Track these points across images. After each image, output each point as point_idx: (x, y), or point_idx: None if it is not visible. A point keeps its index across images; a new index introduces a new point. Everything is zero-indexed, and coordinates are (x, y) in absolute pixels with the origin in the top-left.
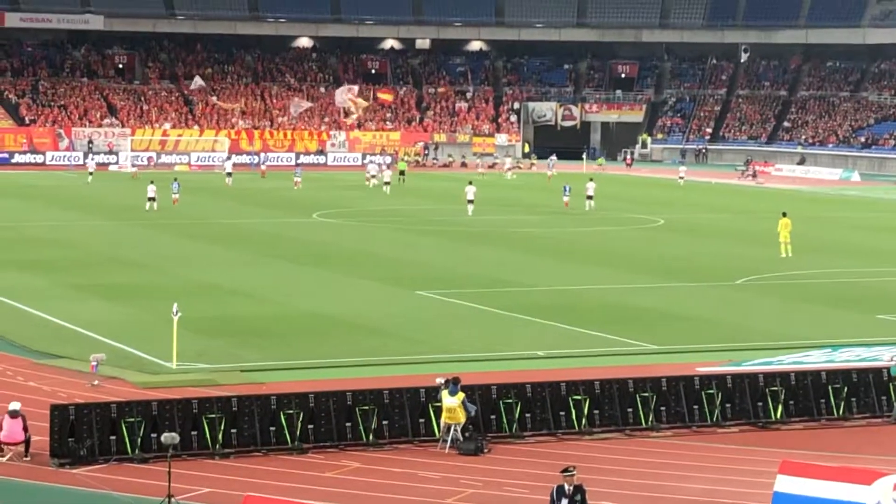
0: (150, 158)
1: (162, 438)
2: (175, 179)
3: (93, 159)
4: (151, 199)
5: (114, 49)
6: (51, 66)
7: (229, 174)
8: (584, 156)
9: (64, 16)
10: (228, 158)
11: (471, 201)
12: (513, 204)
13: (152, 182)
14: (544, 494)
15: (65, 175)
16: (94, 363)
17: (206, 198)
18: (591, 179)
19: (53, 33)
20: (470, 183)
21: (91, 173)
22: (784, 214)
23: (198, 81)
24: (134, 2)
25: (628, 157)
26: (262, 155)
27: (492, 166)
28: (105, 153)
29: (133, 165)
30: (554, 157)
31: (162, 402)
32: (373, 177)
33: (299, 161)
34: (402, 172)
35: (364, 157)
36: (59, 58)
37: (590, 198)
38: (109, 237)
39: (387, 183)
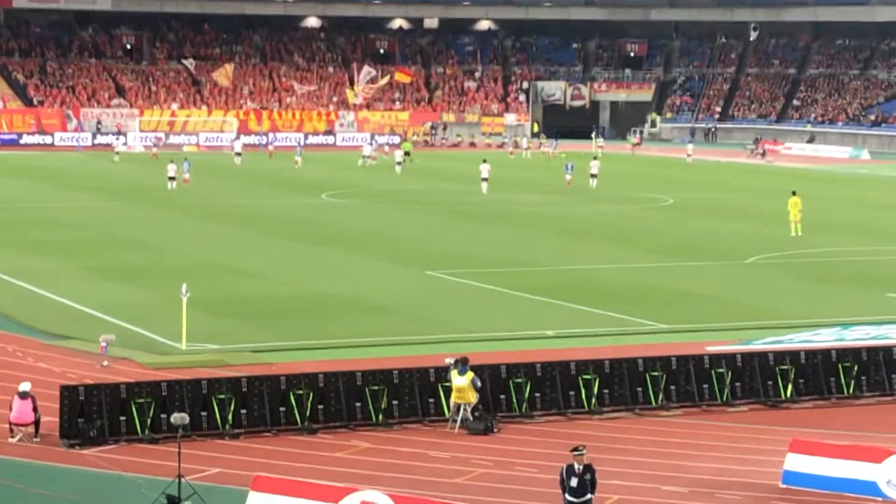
0: (158, 139)
1: (172, 419)
2: (185, 159)
3: (119, 139)
4: (171, 179)
5: (121, 29)
6: (58, 46)
7: (238, 154)
8: (593, 135)
9: None
10: (237, 139)
11: (485, 179)
12: (521, 183)
13: (172, 161)
14: (554, 474)
15: (73, 156)
16: (104, 344)
17: (216, 178)
18: (596, 158)
19: (61, 14)
20: (484, 161)
21: (118, 153)
22: (794, 193)
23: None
24: None
25: (637, 136)
26: (270, 135)
27: (500, 146)
28: (115, 134)
29: (154, 146)
30: (554, 140)
31: (171, 382)
32: (368, 157)
33: (307, 141)
34: (406, 153)
35: (372, 137)
36: (67, 38)
37: (593, 176)
38: (118, 218)
39: (399, 163)
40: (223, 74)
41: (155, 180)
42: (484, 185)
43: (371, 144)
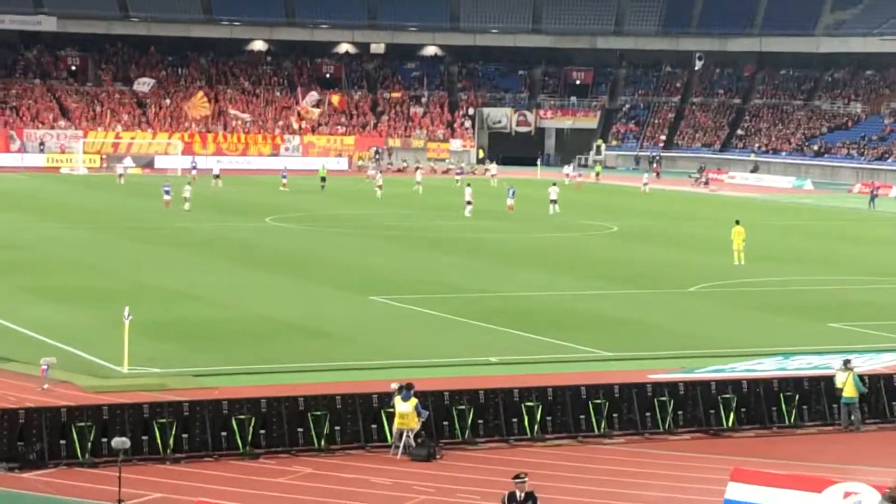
0: (102, 160)
1: (112, 443)
2: (166, 182)
3: (122, 164)
4: (186, 199)
5: (67, 50)
6: (3, 67)
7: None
8: (538, 162)
9: (16, 16)
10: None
11: (469, 202)
12: (459, 208)
13: (189, 183)
14: (496, 501)
15: (15, 177)
16: (45, 367)
17: (158, 200)
18: (555, 184)
19: (5, 34)
20: (468, 185)
21: (121, 175)
22: (737, 222)
23: (144, 82)
24: (88, 3)
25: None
26: (192, 158)
27: (445, 171)
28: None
29: (125, 168)
30: (494, 164)
31: (113, 406)
32: (377, 184)
33: (283, 168)
34: (322, 179)
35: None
36: (12, 59)
37: (553, 202)
38: (60, 239)
39: (380, 186)
40: (199, 105)
41: (98, 203)
42: (468, 208)
43: (376, 169)
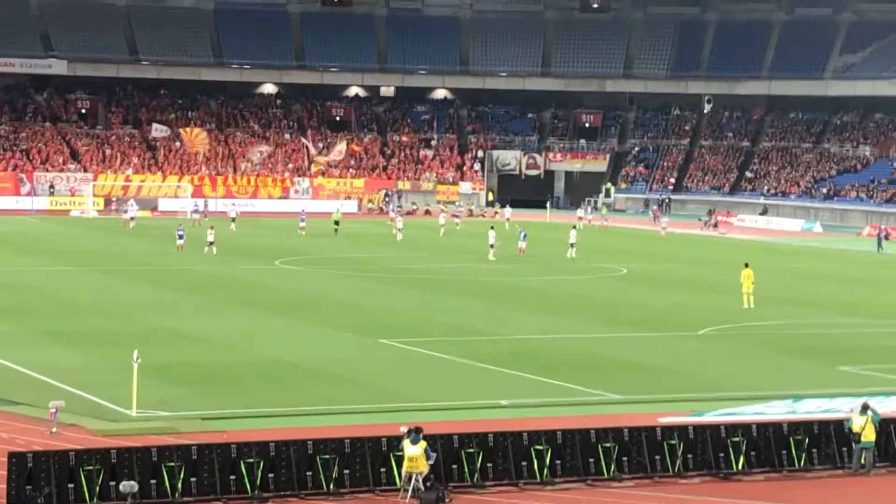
0: (112, 202)
1: (121, 487)
2: (180, 225)
3: (132, 206)
4: (210, 244)
5: (77, 94)
6: (13, 110)
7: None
8: (547, 205)
9: (27, 60)
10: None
11: (492, 245)
12: (472, 251)
13: (211, 227)
14: None
15: (26, 220)
16: (53, 410)
17: (169, 243)
18: (574, 227)
19: (16, 77)
20: (492, 228)
21: (133, 218)
22: (746, 265)
23: (160, 129)
24: (98, 47)
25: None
26: (197, 202)
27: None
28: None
29: (198, 211)
30: (508, 208)
31: (121, 450)
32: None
33: (302, 210)
34: (336, 223)
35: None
36: (22, 102)
37: (572, 245)
38: (69, 282)
39: (399, 229)
40: (196, 141)
41: (108, 246)
42: (491, 252)
43: (397, 212)
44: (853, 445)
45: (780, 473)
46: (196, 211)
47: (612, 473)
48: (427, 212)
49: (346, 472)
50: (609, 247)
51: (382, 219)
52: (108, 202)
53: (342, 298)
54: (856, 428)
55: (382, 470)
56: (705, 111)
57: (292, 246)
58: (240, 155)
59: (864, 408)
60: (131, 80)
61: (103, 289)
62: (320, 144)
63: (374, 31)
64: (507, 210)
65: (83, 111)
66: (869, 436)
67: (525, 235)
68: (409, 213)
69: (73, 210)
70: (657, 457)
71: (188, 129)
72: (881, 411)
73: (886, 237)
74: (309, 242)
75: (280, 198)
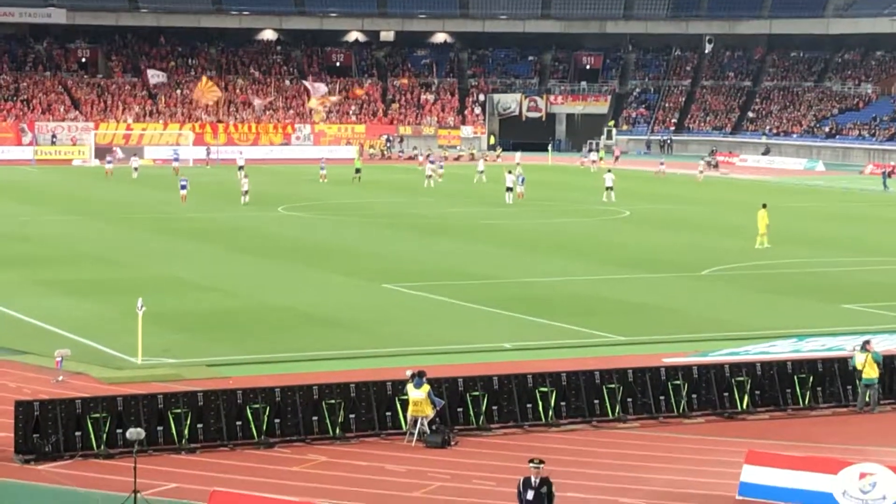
0: (113, 152)
1: (127, 434)
2: (183, 176)
3: (137, 158)
4: (245, 193)
5: (76, 43)
6: (13, 60)
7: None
8: (549, 148)
9: (26, 9)
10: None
11: (509, 189)
12: (476, 195)
13: (246, 175)
14: (512, 487)
15: (28, 170)
16: (59, 359)
17: (171, 191)
18: (609, 171)
19: (15, 27)
20: (509, 171)
21: (136, 168)
22: (764, 206)
23: (156, 75)
24: None
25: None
26: (177, 150)
27: (457, 159)
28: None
29: (176, 160)
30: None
31: (127, 397)
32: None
33: (322, 158)
34: (357, 170)
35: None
36: (22, 51)
37: (609, 189)
38: (72, 232)
39: (428, 177)
40: (207, 90)
41: (109, 194)
42: (508, 195)
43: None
44: (858, 383)
45: (785, 412)
46: (177, 159)
47: (616, 414)
48: (472, 156)
49: (352, 416)
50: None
51: (386, 164)
52: (99, 153)
53: (344, 244)
54: (857, 365)
55: (388, 414)
56: (706, 51)
57: (295, 193)
58: (241, 102)
59: (865, 345)
60: (131, 28)
61: (106, 238)
62: (323, 88)
63: None
64: (518, 155)
65: (83, 60)
66: (870, 373)
67: (523, 180)
68: (410, 158)
69: (74, 159)
70: (662, 397)
71: (201, 81)
72: (886, 348)
73: (891, 175)
74: (312, 189)
75: (281, 144)
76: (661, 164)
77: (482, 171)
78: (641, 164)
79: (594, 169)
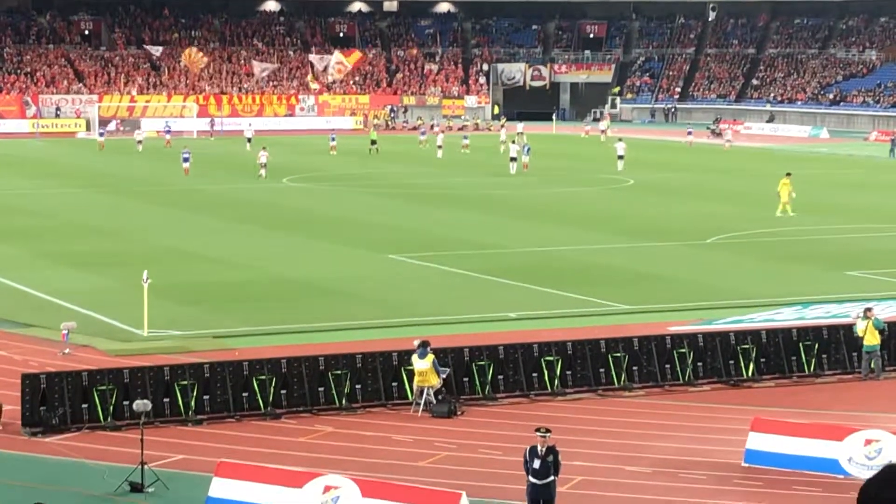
0: (117, 124)
1: (134, 406)
2: (185, 148)
3: (141, 130)
4: (263, 166)
5: (79, 15)
6: (16, 33)
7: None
8: (553, 117)
9: None
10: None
11: (514, 159)
12: (480, 165)
13: (264, 148)
14: (518, 456)
15: (32, 143)
16: (65, 331)
17: (176, 164)
18: (621, 139)
19: (18, 0)
20: (513, 141)
21: (140, 142)
22: (788, 174)
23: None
24: None
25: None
26: (168, 122)
27: (461, 128)
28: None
29: (167, 132)
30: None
31: (133, 369)
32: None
33: (332, 128)
34: (373, 142)
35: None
36: (25, 24)
37: (620, 158)
38: (78, 205)
39: (439, 147)
40: (193, 59)
41: (116, 168)
42: (512, 165)
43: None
44: (862, 350)
45: (790, 379)
46: (168, 131)
47: (622, 383)
48: (432, 127)
49: (358, 387)
50: (614, 157)
51: (390, 134)
52: (88, 126)
53: (349, 215)
54: (859, 332)
55: (394, 384)
56: (710, 19)
57: (298, 164)
58: (244, 73)
59: (867, 312)
60: (134, 0)
61: (110, 210)
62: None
63: None
64: (521, 125)
65: (86, 32)
66: (871, 340)
67: (529, 150)
68: (414, 129)
69: (79, 132)
70: (667, 365)
71: (187, 52)
72: (890, 315)
73: None
74: (313, 160)
75: (286, 115)
76: (689, 133)
77: (504, 141)
78: (643, 133)
79: (603, 138)
